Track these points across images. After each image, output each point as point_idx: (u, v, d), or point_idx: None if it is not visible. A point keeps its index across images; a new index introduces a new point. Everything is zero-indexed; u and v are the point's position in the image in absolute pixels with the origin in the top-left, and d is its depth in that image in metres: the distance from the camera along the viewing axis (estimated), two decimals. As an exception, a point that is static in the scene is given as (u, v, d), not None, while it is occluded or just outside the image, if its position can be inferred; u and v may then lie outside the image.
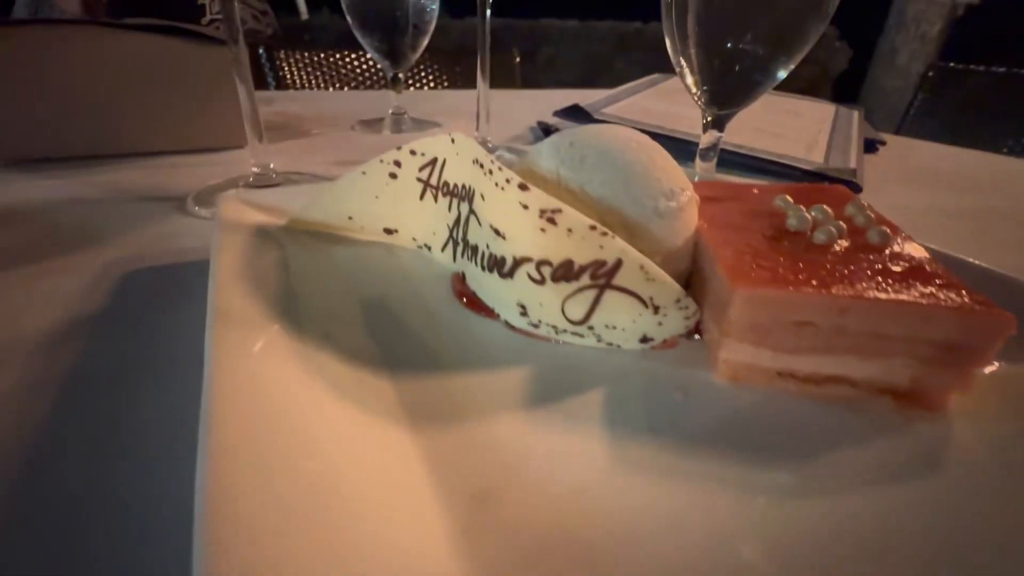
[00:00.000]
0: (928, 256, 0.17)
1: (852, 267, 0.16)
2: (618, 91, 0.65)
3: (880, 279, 0.15)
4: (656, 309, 0.17)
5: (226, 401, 0.13)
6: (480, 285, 0.20)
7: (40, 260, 0.26)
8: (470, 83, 1.04)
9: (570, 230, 0.16)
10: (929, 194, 0.44)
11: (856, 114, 0.65)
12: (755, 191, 0.24)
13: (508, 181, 0.16)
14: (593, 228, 0.16)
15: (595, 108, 0.56)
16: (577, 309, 0.17)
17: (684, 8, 0.30)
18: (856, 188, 0.43)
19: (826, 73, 2.31)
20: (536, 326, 0.18)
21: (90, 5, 0.56)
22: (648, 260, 0.16)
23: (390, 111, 0.60)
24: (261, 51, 0.94)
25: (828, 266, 0.16)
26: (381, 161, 0.23)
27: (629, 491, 0.13)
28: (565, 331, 0.18)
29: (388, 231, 0.25)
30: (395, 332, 0.19)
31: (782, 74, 0.32)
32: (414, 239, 0.25)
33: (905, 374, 0.15)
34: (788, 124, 0.58)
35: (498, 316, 0.20)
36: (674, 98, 0.64)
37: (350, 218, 0.25)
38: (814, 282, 0.15)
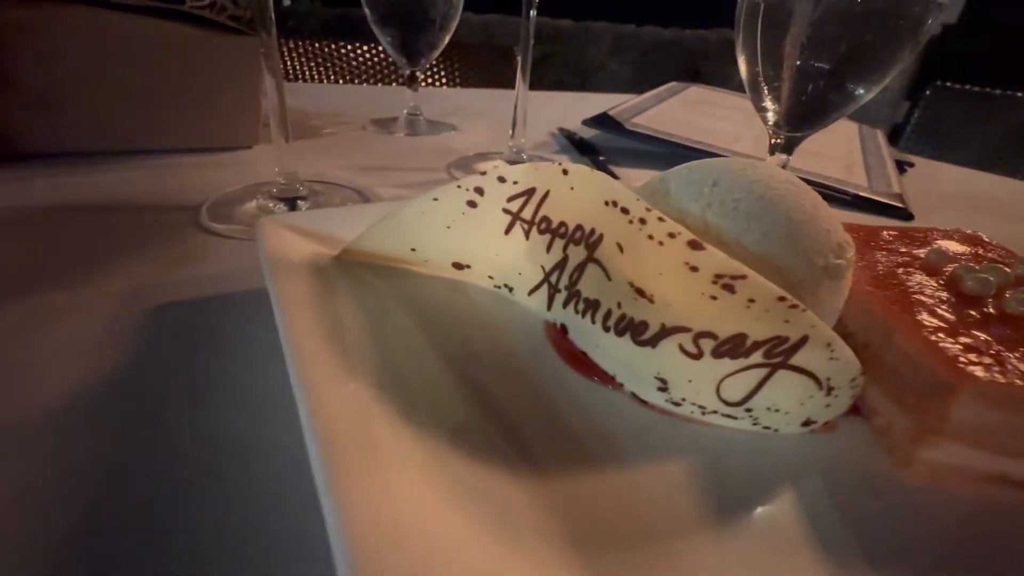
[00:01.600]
0: None
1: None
2: (642, 99, 0.62)
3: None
4: (830, 391, 0.14)
5: (358, 526, 0.09)
6: (597, 346, 0.17)
7: (39, 293, 0.22)
8: (484, 82, 1.00)
9: (751, 300, 0.13)
10: (975, 220, 0.43)
11: (879, 133, 0.64)
12: (863, 233, 0.22)
13: (672, 236, 0.13)
14: (782, 300, 0.13)
15: (625, 118, 0.53)
16: (737, 389, 0.14)
17: (774, 24, 0.28)
18: (907, 216, 0.42)
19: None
20: (678, 404, 0.15)
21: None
22: (836, 336, 0.13)
23: (405, 111, 0.56)
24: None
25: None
26: (459, 187, 0.20)
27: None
28: (715, 412, 0.15)
29: (458, 266, 0.22)
30: (507, 400, 0.16)
31: (866, 98, 0.30)
32: (490, 277, 0.22)
33: None
34: (820, 140, 0.57)
35: (618, 384, 0.17)
36: (701, 109, 0.62)
37: (413, 250, 0.22)
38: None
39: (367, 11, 0.50)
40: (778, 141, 0.33)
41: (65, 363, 0.18)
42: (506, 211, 0.19)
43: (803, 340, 0.13)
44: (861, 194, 0.43)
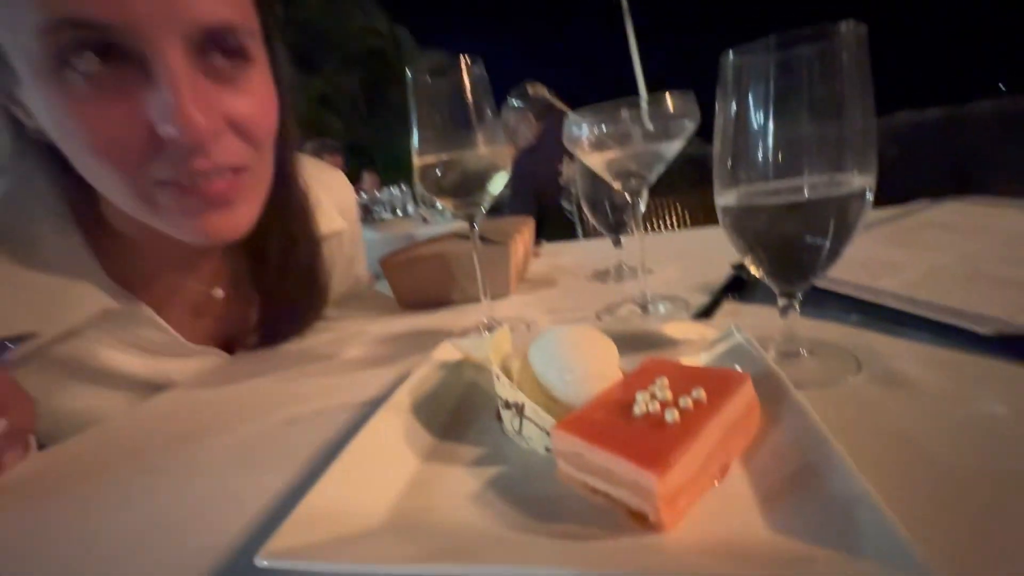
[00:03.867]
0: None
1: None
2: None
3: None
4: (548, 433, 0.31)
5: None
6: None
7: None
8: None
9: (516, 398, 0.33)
10: None
11: None
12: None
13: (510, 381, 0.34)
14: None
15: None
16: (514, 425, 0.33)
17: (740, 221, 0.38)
18: None
19: None
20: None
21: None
22: (537, 407, 0.31)
23: (613, 263, 0.79)
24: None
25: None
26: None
27: None
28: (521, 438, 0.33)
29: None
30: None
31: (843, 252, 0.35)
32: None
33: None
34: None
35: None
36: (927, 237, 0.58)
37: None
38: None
39: (584, 205, 0.79)
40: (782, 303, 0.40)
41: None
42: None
43: (523, 405, 0.31)
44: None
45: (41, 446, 0.46)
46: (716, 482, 0.27)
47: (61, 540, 0.31)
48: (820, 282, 0.51)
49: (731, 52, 0.35)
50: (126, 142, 0.40)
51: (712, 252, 0.77)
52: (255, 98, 0.46)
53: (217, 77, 0.43)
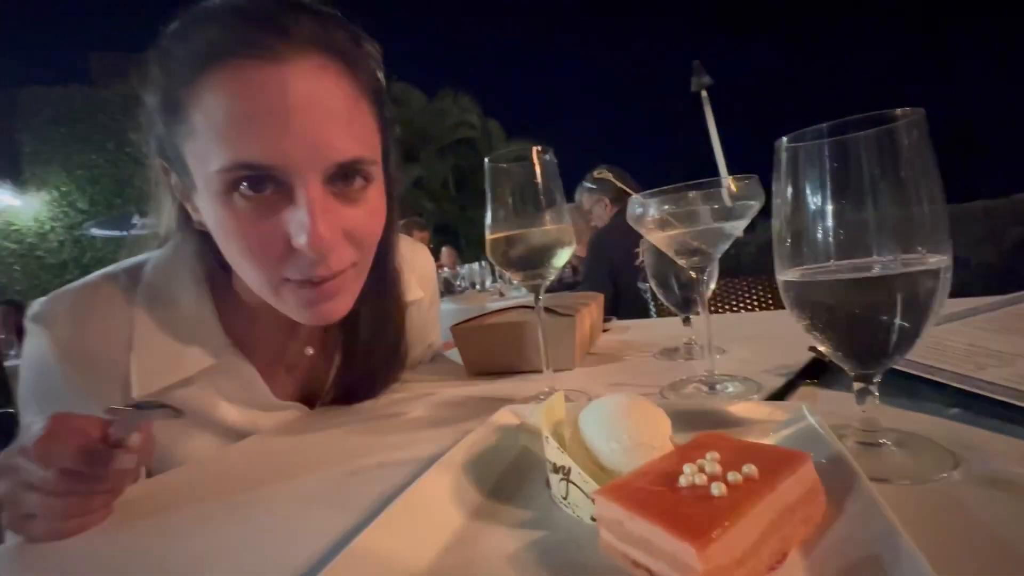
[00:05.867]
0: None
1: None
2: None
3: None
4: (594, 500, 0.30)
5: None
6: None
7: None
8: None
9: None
10: None
11: None
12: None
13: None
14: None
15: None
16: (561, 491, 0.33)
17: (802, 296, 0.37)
18: None
19: None
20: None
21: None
22: (583, 473, 0.31)
23: (683, 341, 0.78)
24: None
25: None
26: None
27: None
28: (568, 506, 0.33)
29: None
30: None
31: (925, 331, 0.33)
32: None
33: None
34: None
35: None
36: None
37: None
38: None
39: (652, 283, 0.79)
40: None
41: None
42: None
43: (570, 470, 0.31)
44: None
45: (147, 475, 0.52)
46: (771, 570, 0.25)
47: (136, 557, 0.36)
48: (914, 370, 0.47)
49: (784, 139, 0.36)
50: (268, 248, 0.51)
51: (792, 335, 0.73)
52: (368, 209, 0.56)
53: (341, 197, 0.53)
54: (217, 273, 0.62)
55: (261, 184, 0.49)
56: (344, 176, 0.53)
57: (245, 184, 0.49)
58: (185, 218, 0.59)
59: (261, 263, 0.52)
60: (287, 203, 0.50)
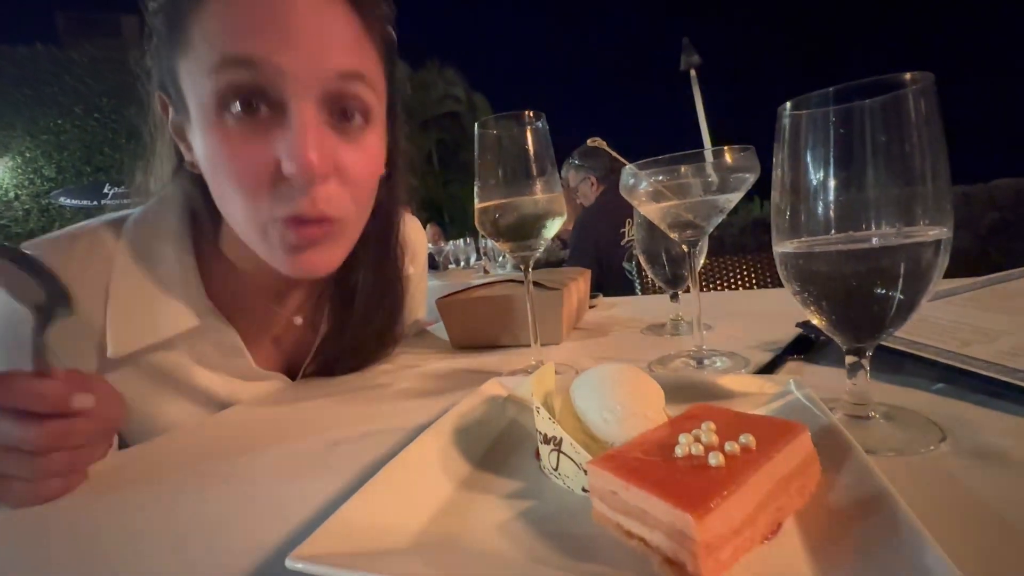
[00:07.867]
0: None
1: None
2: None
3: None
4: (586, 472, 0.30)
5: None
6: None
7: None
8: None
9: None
10: None
11: None
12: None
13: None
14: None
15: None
16: (552, 462, 0.32)
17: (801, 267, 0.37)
18: None
19: None
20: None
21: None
22: (575, 442, 0.30)
23: (670, 317, 0.77)
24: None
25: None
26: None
27: None
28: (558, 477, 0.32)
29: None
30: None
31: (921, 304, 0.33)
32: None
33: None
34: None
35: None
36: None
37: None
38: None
39: (641, 258, 0.78)
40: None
41: None
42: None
43: (561, 440, 0.31)
44: None
45: (124, 446, 0.50)
46: (766, 540, 0.25)
47: (116, 529, 0.34)
48: (900, 346, 0.47)
49: (788, 104, 0.35)
50: (257, 172, 0.49)
51: (778, 312, 0.73)
52: (364, 154, 0.54)
53: (339, 132, 0.51)
54: (204, 228, 0.60)
55: (254, 104, 0.47)
56: (343, 109, 0.51)
57: (237, 104, 0.47)
58: (179, 165, 0.57)
59: (249, 193, 0.50)
60: (279, 127, 0.48)
